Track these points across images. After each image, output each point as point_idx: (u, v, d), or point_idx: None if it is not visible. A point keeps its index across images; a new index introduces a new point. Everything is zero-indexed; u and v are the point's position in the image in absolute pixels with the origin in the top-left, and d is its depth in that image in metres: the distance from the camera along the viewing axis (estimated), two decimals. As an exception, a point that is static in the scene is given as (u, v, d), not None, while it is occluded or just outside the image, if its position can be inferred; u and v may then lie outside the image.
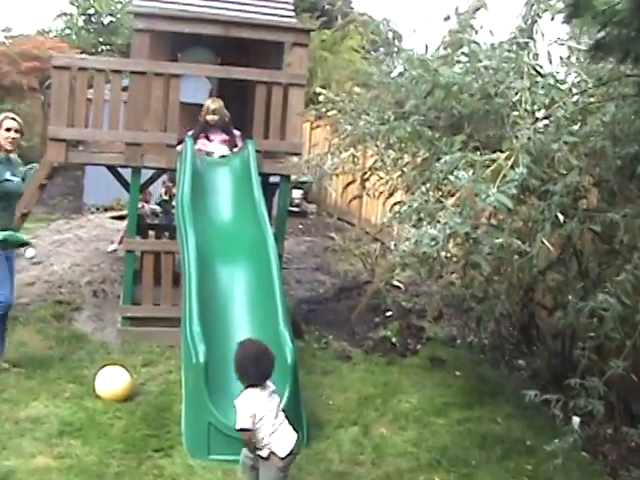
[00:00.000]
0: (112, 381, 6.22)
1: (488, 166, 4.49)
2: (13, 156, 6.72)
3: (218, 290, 6.39)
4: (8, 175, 6.52)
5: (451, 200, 4.53)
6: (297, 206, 15.66)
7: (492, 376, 7.21)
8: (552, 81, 5.38)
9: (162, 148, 7.83)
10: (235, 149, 7.82)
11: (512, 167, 4.45)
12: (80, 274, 9.44)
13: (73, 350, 7.19)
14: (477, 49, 5.65)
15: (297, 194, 15.73)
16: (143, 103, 7.77)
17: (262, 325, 6.14)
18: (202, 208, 6.94)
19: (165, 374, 6.82)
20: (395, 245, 4.69)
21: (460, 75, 5.51)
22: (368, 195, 7.83)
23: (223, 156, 7.71)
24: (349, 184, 7.89)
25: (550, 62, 5.77)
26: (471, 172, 4.35)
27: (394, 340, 7.89)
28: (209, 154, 7.68)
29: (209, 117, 7.89)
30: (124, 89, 8.02)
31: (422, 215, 4.67)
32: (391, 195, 7.16)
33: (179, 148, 7.65)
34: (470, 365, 7.41)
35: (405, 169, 6.67)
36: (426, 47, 5.99)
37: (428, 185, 4.93)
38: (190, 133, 7.87)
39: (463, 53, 5.77)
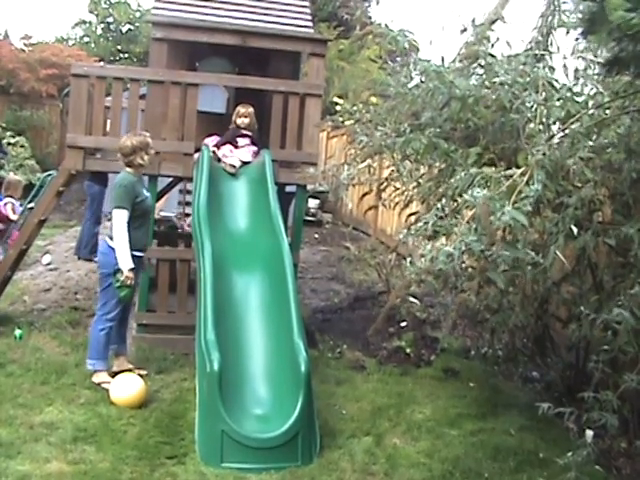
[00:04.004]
0: (126, 388, 6.27)
1: (503, 182, 4.52)
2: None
3: (233, 298, 6.43)
4: (145, 192, 6.82)
5: (467, 213, 4.56)
6: (313, 215, 15.68)
7: (506, 388, 7.21)
8: (568, 94, 5.40)
9: (179, 157, 7.88)
10: (255, 158, 7.80)
11: (527, 183, 4.47)
12: (96, 280, 9.43)
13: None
14: (493, 61, 5.68)
15: (313, 203, 15.75)
16: (160, 111, 7.84)
17: (276, 334, 6.18)
18: (218, 217, 6.98)
19: (179, 381, 6.86)
20: (411, 262, 4.71)
21: (476, 87, 5.55)
22: (384, 205, 7.83)
23: (246, 162, 7.69)
24: (365, 194, 7.93)
25: (566, 75, 5.80)
26: (486, 189, 4.37)
27: (408, 351, 7.92)
28: (231, 165, 7.63)
29: (239, 120, 7.89)
30: (142, 97, 8.09)
31: (438, 231, 4.71)
32: (407, 206, 7.18)
33: (195, 156, 7.70)
34: (484, 376, 7.41)
35: (421, 180, 6.70)
36: (442, 59, 6.03)
37: (444, 201, 4.96)
38: (219, 139, 7.86)
39: (479, 65, 5.80)
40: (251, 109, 7.98)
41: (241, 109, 7.96)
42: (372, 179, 7.21)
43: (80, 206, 15.31)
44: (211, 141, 7.83)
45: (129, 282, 6.47)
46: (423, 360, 7.82)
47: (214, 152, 7.68)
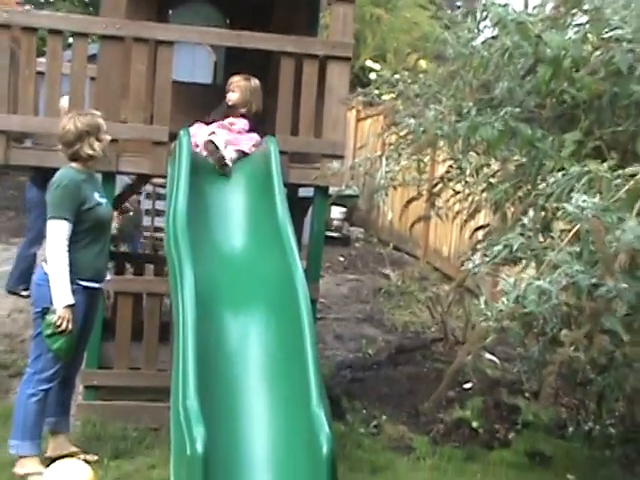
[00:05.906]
0: (68, 480, 6.27)
1: (621, 185, 4.48)
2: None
3: (225, 349, 6.43)
4: (97, 197, 6.79)
5: (560, 227, 4.53)
6: (337, 230, 15.76)
7: (623, 482, 7.19)
8: None
9: (146, 146, 7.90)
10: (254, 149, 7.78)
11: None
12: (23, 324, 9.51)
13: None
14: (603, 4, 5.65)
15: (337, 213, 15.83)
16: (118, 81, 7.83)
17: (286, 401, 6.16)
18: (203, 232, 7.00)
19: (145, 470, 6.86)
20: (486, 302, 4.67)
21: (575, 44, 5.53)
22: (439, 216, 7.82)
23: (243, 154, 7.67)
24: (411, 200, 7.93)
25: None
26: (597, 196, 4.33)
27: (475, 424, 7.90)
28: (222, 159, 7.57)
29: (227, 97, 7.91)
30: (91, 59, 8.08)
31: (525, 257, 4.68)
32: (472, 216, 7.17)
33: (171, 146, 7.66)
34: (589, 465, 7.37)
35: (493, 180, 6.70)
36: (526, 2, 6.03)
37: (531, 215, 4.90)
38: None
39: (581, 11, 5.78)
40: (243, 82, 7.91)
41: (230, 80, 7.92)
42: (422, 179, 7.22)
43: (1, 216, 15.42)
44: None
45: (64, 327, 6.36)
46: (497, 439, 7.81)
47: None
